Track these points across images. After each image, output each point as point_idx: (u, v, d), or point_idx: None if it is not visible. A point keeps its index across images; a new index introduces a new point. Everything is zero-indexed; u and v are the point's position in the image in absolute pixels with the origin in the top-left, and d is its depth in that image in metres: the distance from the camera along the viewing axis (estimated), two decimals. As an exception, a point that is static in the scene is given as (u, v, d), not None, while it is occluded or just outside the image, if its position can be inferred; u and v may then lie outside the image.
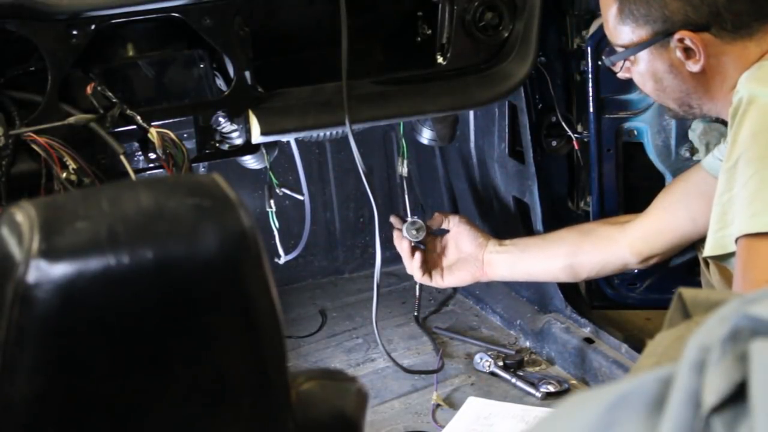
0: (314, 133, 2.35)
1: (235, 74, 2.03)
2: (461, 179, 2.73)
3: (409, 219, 2.33)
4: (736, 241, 1.59)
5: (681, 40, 1.74)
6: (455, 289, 2.74)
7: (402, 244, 2.30)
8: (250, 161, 2.27)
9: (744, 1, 1.73)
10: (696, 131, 2.20)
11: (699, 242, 1.99)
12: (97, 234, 0.86)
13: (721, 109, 1.77)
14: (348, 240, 2.87)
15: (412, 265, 2.30)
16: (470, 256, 2.27)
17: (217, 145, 2.08)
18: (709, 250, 1.66)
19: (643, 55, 1.80)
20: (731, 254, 1.62)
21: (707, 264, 1.95)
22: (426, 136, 2.47)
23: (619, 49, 1.83)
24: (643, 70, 1.82)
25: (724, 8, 1.72)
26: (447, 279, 2.30)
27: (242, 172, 2.38)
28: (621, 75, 1.88)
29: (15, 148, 1.83)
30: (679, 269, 2.27)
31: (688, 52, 1.75)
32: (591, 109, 2.28)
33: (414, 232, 2.31)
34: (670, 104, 1.85)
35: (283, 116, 2.09)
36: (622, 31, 1.81)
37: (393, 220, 2.35)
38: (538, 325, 2.40)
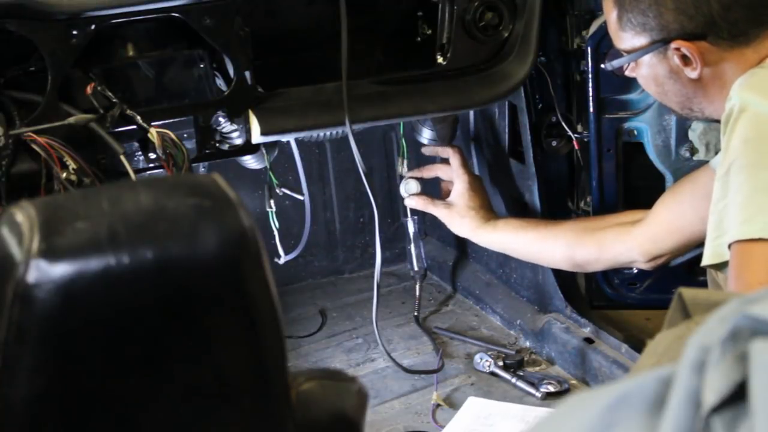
0: (314, 133, 2.35)
1: (235, 74, 2.03)
2: (461, 179, 2.73)
3: (405, 177, 2.45)
4: (729, 247, 1.60)
5: (678, 49, 1.76)
6: (455, 289, 2.75)
7: (411, 201, 2.43)
8: (250, 161, 2.27)
9: (739, 9, 1.74)
10: (696, 131, 2.20)
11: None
12: (97, 234, 0.86)
13: (720, 113, 1.78)
14: (348, 240, 2.87)
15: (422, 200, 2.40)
16: (462, 215, 2.35)
17: (217, 145, 2.08)
18: (707, 259, 1.66)
19: (644, 61, 1.82)
20: (728, 262, 1.63)
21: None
22: (426, 136, 2.47)
23: (622, 53, 1.85)
24: (645, 74, 1.85)
25: (719, 17, 1.73)
26: (447, 214, 2.39)
27: (242, 172, 2.38)
28: (628, 73, 1.90)
29: (15, 148, 1.83)
30: (679, 269, 2.27)
31: (685, 59, 1.77)
32: (591, 109, 2.29)
33: (413, 187, 2.42)
34: (673, 106, 1.88)
35: (283, 116, 2.09)
36: (623, 37, 1.84)
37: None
38: (538, 325, 2.40)
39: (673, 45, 1.76)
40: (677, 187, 2.12)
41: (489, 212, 2.37)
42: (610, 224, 2.19)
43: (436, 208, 2.39)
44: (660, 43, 1.77)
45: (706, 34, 1.74)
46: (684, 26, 1.75)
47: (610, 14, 1.85)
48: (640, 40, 1.80)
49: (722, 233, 1.62)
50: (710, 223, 1.66)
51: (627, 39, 1.83)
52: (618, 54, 1.87)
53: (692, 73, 1.77)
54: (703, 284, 2.03)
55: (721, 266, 1.67)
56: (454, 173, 2.40)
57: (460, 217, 2.35)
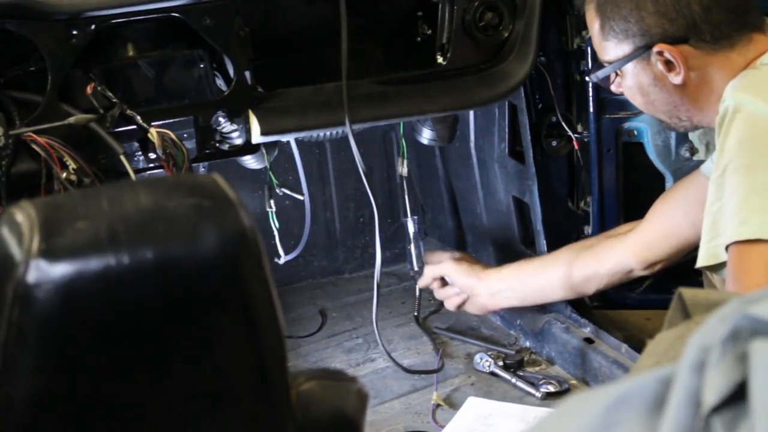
0: (314, 133, 2.35)
1: (235, 74, 2.03)
2: (461, 179, 2.73)
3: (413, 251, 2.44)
4: (727, 249, 1.60)
5: (660, 53, 1.76)
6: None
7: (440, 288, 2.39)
8: (250, 161, 2.27)
9: (720, 11, 1.74)
10: (696, 131, 2.20)
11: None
12: (97, 234, 0.86)
13: (711, 120, 1.78)
14: (348, 240, 2.87)
15: (447, 297, 2.37)
16: (468, 293, 2.32)
17: (217, 145, 2.08)
18: (702, 260, 1.66)
19: (629, 70, 1.83)
20: (724, 264, 1.63)
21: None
22: (426, 136, 2.47)
23: (606, 65, 1.86)
24: (630, 85, 1.85)
25: (700, 20, 1.73)
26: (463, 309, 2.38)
27: (242, 172, 2.38)
28: (614, 89, 1.91)
29: (15, 148, 1.83)
30: (679, 269, 2.27)
31: (668, 64, 1.77)
32: (591, 109, 2.29)
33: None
34: (661, 117, 1.88)
35: (283, 116, 2.09)
36: (606, 47, 1.84)
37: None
38: (538, 325, 2.40)
39: (656, 49, 1.76)
40: (669, 193, 2.12)
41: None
42: (606, 238, 2.20)
43: (442, 267, 2.37)
44: (642, 49, 1.78)
45: (688, 37, 1.75)
46: (665, 30, 1.75)
47: (593, 25, 1.86)
48: (623, 49, 1.81)
49: (718, 234, 1.62)
50: (705, 225, 1.66)
51: (610, 49, 1.83)
52: (603, 66, 1.88)
53: (676, 79, 1.77)
54: (703, 284, 2.03)
55: (717, 268, 1.68)
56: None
57: (469, 265, 2.33)
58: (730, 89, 1.67)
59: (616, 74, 1.88)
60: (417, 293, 2.60)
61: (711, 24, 1.74)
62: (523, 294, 2.28)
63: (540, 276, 2.23)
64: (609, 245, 2.15)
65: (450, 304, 2.37)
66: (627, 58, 1.81)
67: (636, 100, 1.88)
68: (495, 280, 2.28)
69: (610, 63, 1.85)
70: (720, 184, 1.63)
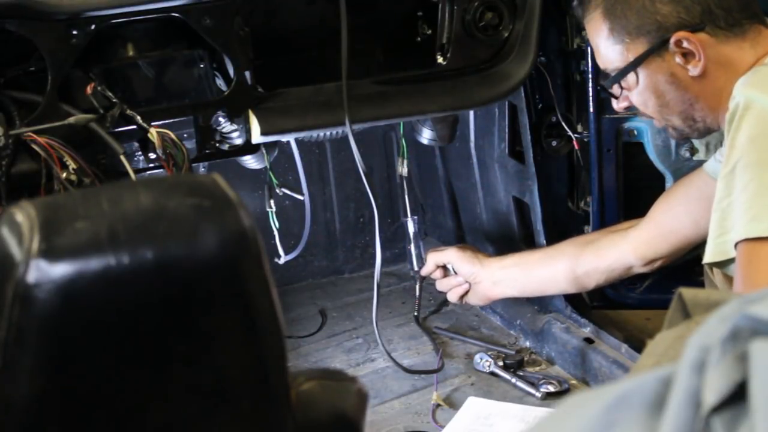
0: (314, 133, 2.35)
1: (235, 74, 2.03)
2: (461, 179, 2.74)
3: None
4: (736, 246, 1.60)
5: (678, 44, 1.76)
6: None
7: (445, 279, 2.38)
8: (250, 161, 2.27)
9: None
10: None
11: (702, 243, 1.99)
12: (97, 234, 0.86)
13: (722, 120, 1.78)
14: (348, 240, 2.87)
15: (449, 287, 2.37)
16: (470, 280, 2.31)
17: (217, 145, 2.08)
18: (709, 256, 1.66)
19: (642, 71, 1.81)
20: (731, 260, 1.63)
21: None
22: (426, 136, 2.47)
23: (615, 72, 1.85)
24: (643, 87, 1.83)
25: (714, 5, 1.74)
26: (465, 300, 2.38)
27: (242, 172, 2.38)
28: (620, 105, 1.90)
29: (15, 148, 1.83)
30: (679, 269, 2.27)
31: (686, 56, 1.76)
32: (591, 109, 2.29)
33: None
34: (675, 120, 1.86)
35: (283, 116, 2.09)
36: (616, 53, 1.83)
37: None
38: (538, 325, 2.40)
39: (674, 38, 1.76)
40: (671, 191, 2.12)
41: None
42: (607, 233, 2.20)
43: (446, 253, 2.37)
44: (659, 43, 1.77)
45: (704, 24, 1.75)
46: (682, 18, 1.76)
47: (601, 32, 1.84)
48: (635, 48, 1.80)
49: (726, 231, 1.62)
50: (713, 221, 1.65)
51: (621, 53, 1.82)
52: (615, 74, 1.86)
53: (695, 70, 1.77)
54: (704, 284, 2.03)
55: (724, 264, 1.67)
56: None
57: (472, 252, 2.34)
58: (740, 86, 1.67)
59: (621, 88, 1.87)
60: (417, 293, 2.60)
61: (724, 9, 1.75)
62: (524, 285, 2.28)
63: (543, 268, 2.23)
64: (610, 241, 2.16)
65: (452, 296, 2.36)
66: (642, 55, 1.79)
67: (649, 105, 1.86)
68: (497, 268, 2.28)
69: (621, 68, 1.84)
70: (729, 180, 1.62)
